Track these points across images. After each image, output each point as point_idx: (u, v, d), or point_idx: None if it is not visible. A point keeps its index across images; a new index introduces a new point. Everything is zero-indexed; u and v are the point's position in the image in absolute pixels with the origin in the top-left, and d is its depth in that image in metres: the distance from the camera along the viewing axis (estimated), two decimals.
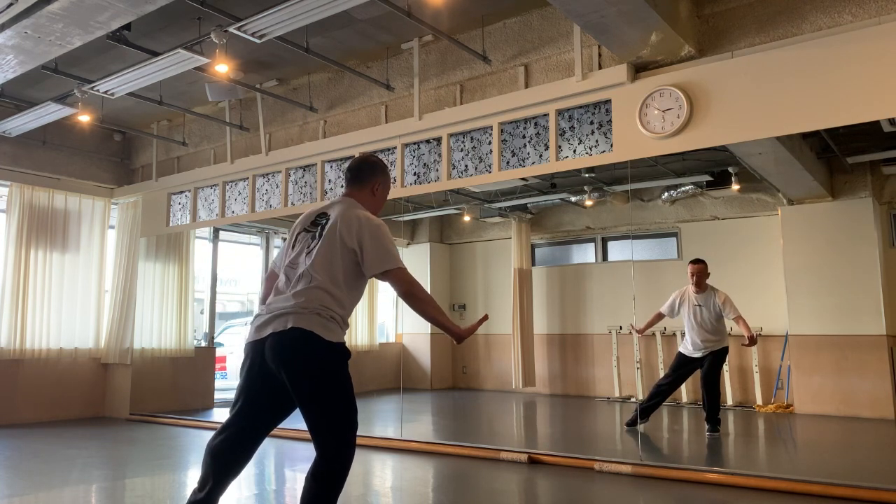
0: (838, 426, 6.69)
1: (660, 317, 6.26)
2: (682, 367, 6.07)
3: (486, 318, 2.74)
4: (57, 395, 7.36)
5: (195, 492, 2.66)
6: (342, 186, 6.18)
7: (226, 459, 2.64)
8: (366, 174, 2.83)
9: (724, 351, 6.03)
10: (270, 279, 2.86)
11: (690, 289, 6.01)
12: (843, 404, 7.09)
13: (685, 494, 4.09)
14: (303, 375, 2.51)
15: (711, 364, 5.96)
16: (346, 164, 2.84)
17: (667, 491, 4.17)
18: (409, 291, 2.57)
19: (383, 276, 2.58)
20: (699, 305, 5.93)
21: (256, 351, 2.59)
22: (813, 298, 7.33)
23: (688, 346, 6.03)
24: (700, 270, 5.97)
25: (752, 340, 5.77)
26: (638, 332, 6.34)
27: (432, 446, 5.48)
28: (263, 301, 2.81)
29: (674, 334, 8.06)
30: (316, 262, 2.57)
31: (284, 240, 2.86)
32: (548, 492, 4.31)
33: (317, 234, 2.66)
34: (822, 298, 7.29)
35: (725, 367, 7.87)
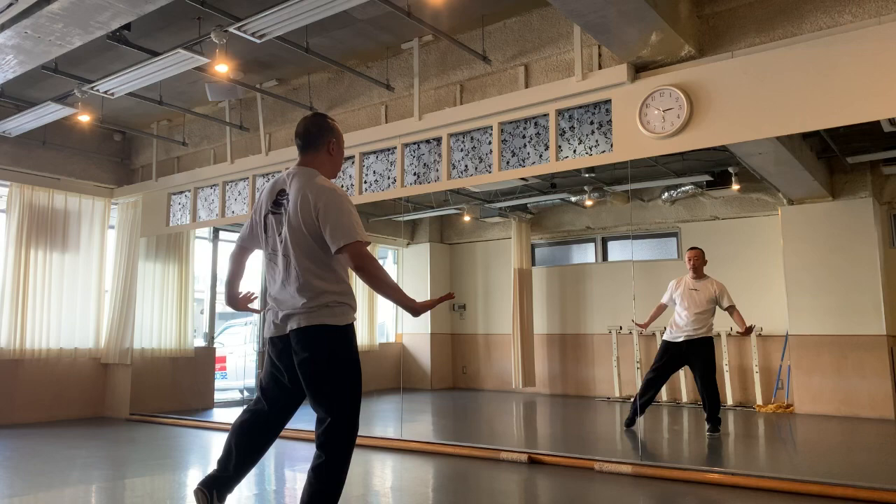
0: (838, 426, 6.69)
1: (661, 308, 6.28)
2: (665, 353, 6.05)
3: (450, 295, 2.78)
4: (57, 395, 7.36)
5: (216, 471, 2.72)
6: (342, 186, 6.19)
7: (251, 437, 2.74)
8: (318, 136, 2.72)
9: (709, 343, 5.98)
10: (239, 256, 2.87)
11: (688, 275, 6.10)
12: (843, 404, 7.09)
13: (685, 494, 4.09)
14: (312, 363, 2.59)
15: (702, 363, 5.95)
16: (296, 129, 2.76)
17: (667, 491, 4.17)
18: (360, 265, 2.52)
19: (339, 251, 2.52)
20: (695, 290, 6.00)
21: (275, 346, 2.71)
22: (813, 298, 7.33)
23: (671, 331, 6.06)
24: (697, 255, 6.07)
25: (748, 330, 5.84)
26: (641, 326, 6.35)
27: (432, 446, 5.48)
28: (232, 280, 2.86)
29: None
30: (295, 251, 2.59)
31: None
32: (548, 492, 4.31)
33: (282, 217, 2.63)
34: (822, 298, 7.29)
35: (725, 368, 7.88)
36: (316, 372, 2.59)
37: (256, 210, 2.79)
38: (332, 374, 2.60)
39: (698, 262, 6.06)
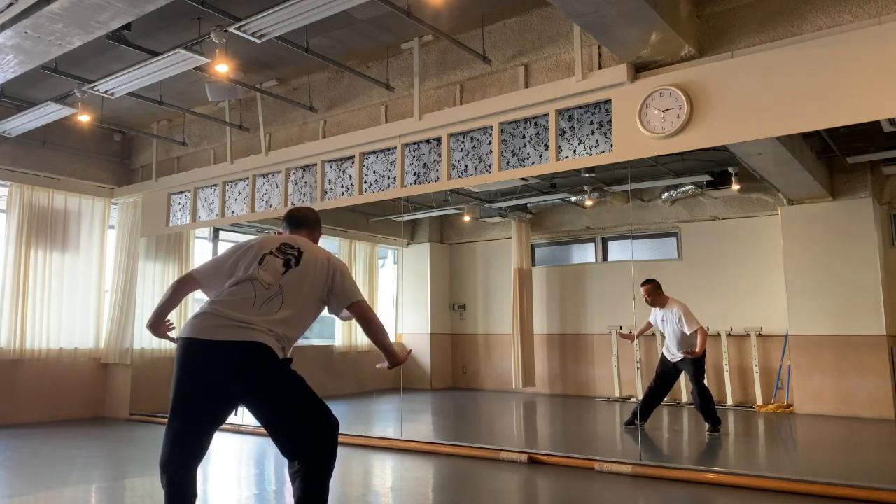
0: (838, 426, 6.69)
1: (649, 325, 6.48)
2: (664, 367, 6.21)
3: (410, 352, 3.08)
4: (57, 396, 7.36)
5: None
6: (342, 187, 6.20)
7: (182, 476, 2.69)
8: (316, 227, 3.11)
9: (699, 359, 6.05)
10: (187, 288, 2.84)
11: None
12: (843, 404, 7.09)
13: (685, 494, 4.09)
14: (261, 377, 2.58)
15: (693, 370, 6.04)
16: (293, 212, 3.12)
17: (667, 491, 4.17)
18: (371, 319, 2.88)
19: (350, 307, 2.83)
20: (663, 320, 6.15)
21: (205, 350, 2.55)
22: (813, 298, 7.33)
23: (666, 351, 6.22)
24: (648, 291, 6.16)
25: (692, 354, 5.86)
26: (628, 338, 6.74)
27: (432, 446, 5.48)
28: (166, 309, 2.78)
29: None
30: (289, 295, 2.69)
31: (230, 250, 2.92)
32: (548, 492, 4.31)
33: (291, 261, 2.76)
34: (822, 298, 7.28)
35: (725, 368, 7.89)
36: (283, 382, 2.61)
37: (246, 248, 2.82)
38: (297, 384, 2.64)
39: (651, 297, 6.15)
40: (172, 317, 2.88)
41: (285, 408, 2.61)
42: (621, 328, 8.60)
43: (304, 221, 3.08)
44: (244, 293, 2.66)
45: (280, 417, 2.61)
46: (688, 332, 5.93)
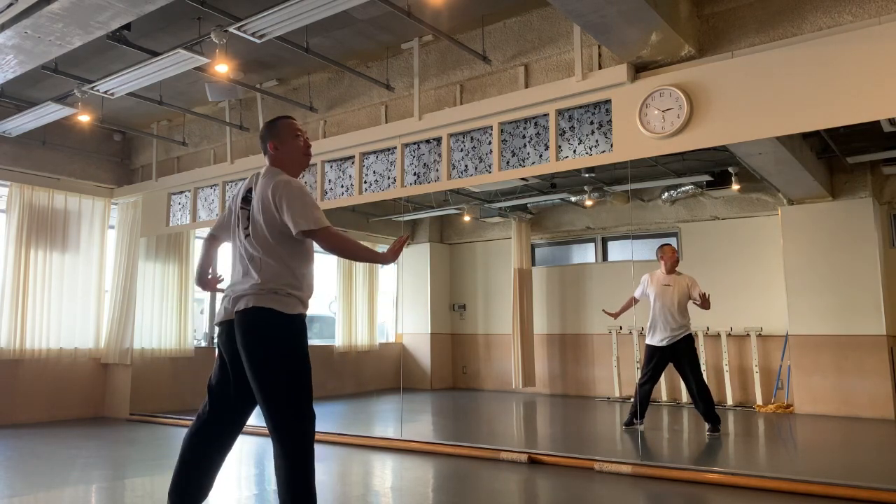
0: (838, 426, 6.69)
1: (633, 301, 6.45)
2: (653, 358, 6.13)
3: (407, 237, 2.88)
4: (57, 396, 7.36)
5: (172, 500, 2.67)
6: (342, 187, 6.20)
7: (202, 450, 2.74)
8: (263, 141, 2.89)
9: (690, 340, 6.08)
10: (210, 244, 3.07)
11: (660, 271, 6.21)
12: (843, 404, 7.09)
13: (685, 494, 4.09)
14: (254, 346, 2.61)
15: (689, 362, 6.02)
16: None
17: (667, 491, 4.17)
18: (338, 246, 2.69)
19: (309, 235, 2.63)
20: (668, 285, 6.11)
21: (223, 331, 2.75)
22: (813, 298, 7.33)
23: (655, 335, 6.11)
24: (674, 251, 6.24)
25: (706, 304, 5.95)
26: (612, 315, 6.63)
27: (432, 446, 5.48)
28: (203, 266, 3.04)
29: None
30: (257, 244, 2.70)
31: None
32: (548, 492, 4.31)
33: (249, 213, 2.76)
34: (822, 298, 7.29)
35: (725, 368, 7.89)
36: (253, 355, 2.60)
37: (231, 203, 2.93)
38: (270, 360, 2.59)
39: (674, 260, 6.19)
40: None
41: (258, 387, 2.62)
42: (621, 328, 8.61)
43: (261, 144, 2.92)
44: (235, 267, 2.79)
45: (258, 391, 2.63)
46: (700, 295, 5.96)
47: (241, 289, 2.68)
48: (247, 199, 2.78)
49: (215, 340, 2.84)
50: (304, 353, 2.64)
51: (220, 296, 2.88)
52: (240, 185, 2.94)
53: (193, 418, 2.84)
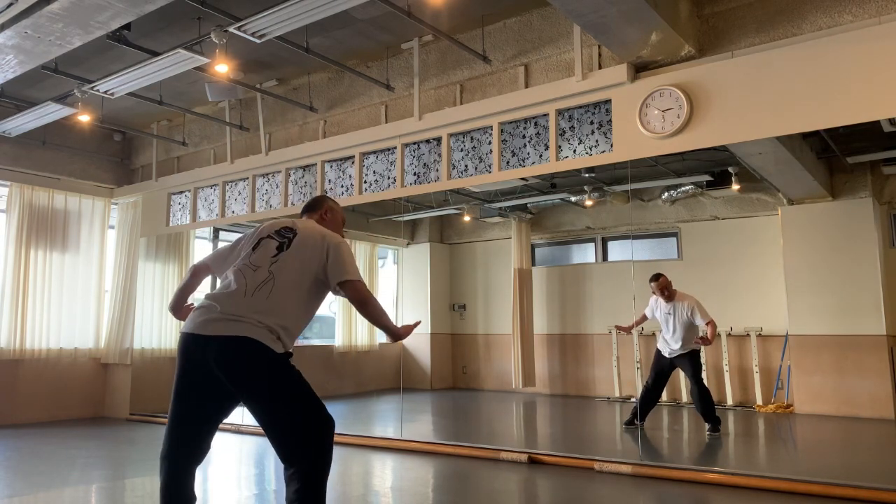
0: (838, 426, 6.69)
1: (644, 318, 6.46)
2: (659, 363, 6.22)
3: (418, 323, 2.92)
4: (57, 396, 7.36)
5: None
6: (342, 187, 6.20)
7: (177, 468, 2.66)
8: (318, 203, 3.04)
9: (696, 354, 6.11)
10: (200, 273, 2.92)
11: (661, 299, 6.20)
12: (843, 404, 7.08)
13: (685, 494, 4.09)
14: (250, 377, 2.50)
15: (690, 368, 6.08)
16: (309, 201, 3.16)
17: (667, 491, 4.17)
18: (365, 300, 2.68)
19: (343, 284, 2.65)
20: (669, 314, 6.13)
21: (198, 345, 2.53)
22: (813, 298, 7.33)
23: (663, 346, 6.21)
24: (666, 284, 6.16)
25: (705, 342, 5.92)
26: (624, 330, 6.59)
27: (432, 446, 5.48)
28: (185, 293, 2.88)
29: None
30: (281, 277, 2.61)
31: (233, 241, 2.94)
32: (548, 492, 4.31)
33: (284, 244, 2.70)
34: (823, 298, 7.28)
35: (725, 368, 7.89)
36: (271, 385, 2.51)
37: (249, 236, 2.84)
38: (287, 386, 2.53)
39: (668, 290, 6.15)
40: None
41: (274, 413, 2.52)
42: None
43: (312, 205, 3.05)
44: (236, 283, 2.63)
45: (269, 422, 2.53)
46: (702, 324, 5.95)
47: (233, 312, 2.54)
48: (280, 234, 2.75)
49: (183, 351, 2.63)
50: (300, 375, 2.60)
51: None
52: (258, 227, 2.88)
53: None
